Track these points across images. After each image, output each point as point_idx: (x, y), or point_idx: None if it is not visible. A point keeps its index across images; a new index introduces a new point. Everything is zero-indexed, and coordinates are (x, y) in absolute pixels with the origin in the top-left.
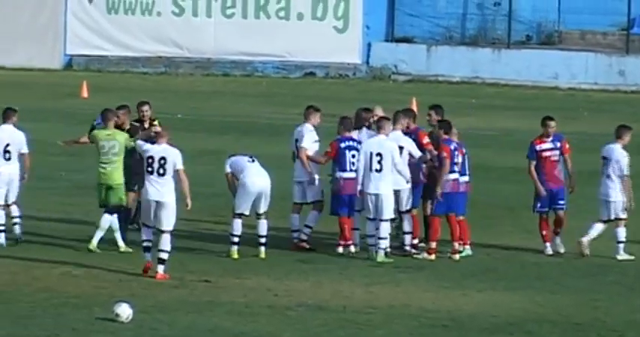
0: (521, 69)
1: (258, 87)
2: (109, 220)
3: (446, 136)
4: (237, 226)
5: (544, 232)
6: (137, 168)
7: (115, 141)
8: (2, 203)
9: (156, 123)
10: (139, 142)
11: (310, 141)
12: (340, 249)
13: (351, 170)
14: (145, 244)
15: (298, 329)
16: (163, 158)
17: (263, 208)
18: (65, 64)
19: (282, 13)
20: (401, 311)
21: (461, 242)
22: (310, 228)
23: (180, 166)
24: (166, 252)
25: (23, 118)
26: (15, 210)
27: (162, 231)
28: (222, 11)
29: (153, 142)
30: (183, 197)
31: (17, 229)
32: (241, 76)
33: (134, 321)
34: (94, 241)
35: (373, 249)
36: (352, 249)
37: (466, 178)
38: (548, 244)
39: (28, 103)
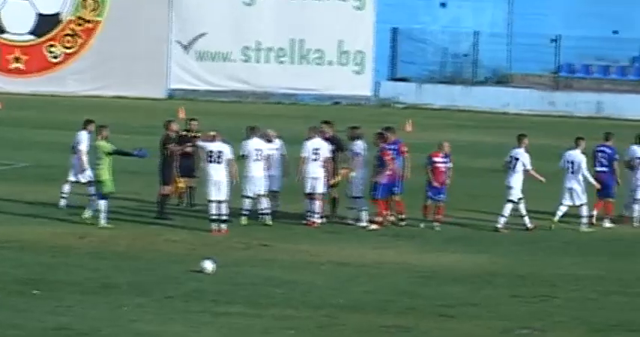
0: (483, 100)
1: (301, 111)
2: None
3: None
4: (247, 203)
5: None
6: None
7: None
8: (74, 179)
9: (199, 134)
10: (200, 143)
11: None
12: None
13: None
14: (212, 217)
15: (329, 278)
16: (220, 151)
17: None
18: (168, 95)
19: (318, 61)
20: (399, 266)
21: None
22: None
23: (230, 156)
24: (226, 215)
25: (136, 132)
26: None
27: (221, 201)
28: (276, 59)
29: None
30: (232, 177)
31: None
32: (289, 104)
33: (216, 273)
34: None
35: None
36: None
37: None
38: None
39: (140, 122)
